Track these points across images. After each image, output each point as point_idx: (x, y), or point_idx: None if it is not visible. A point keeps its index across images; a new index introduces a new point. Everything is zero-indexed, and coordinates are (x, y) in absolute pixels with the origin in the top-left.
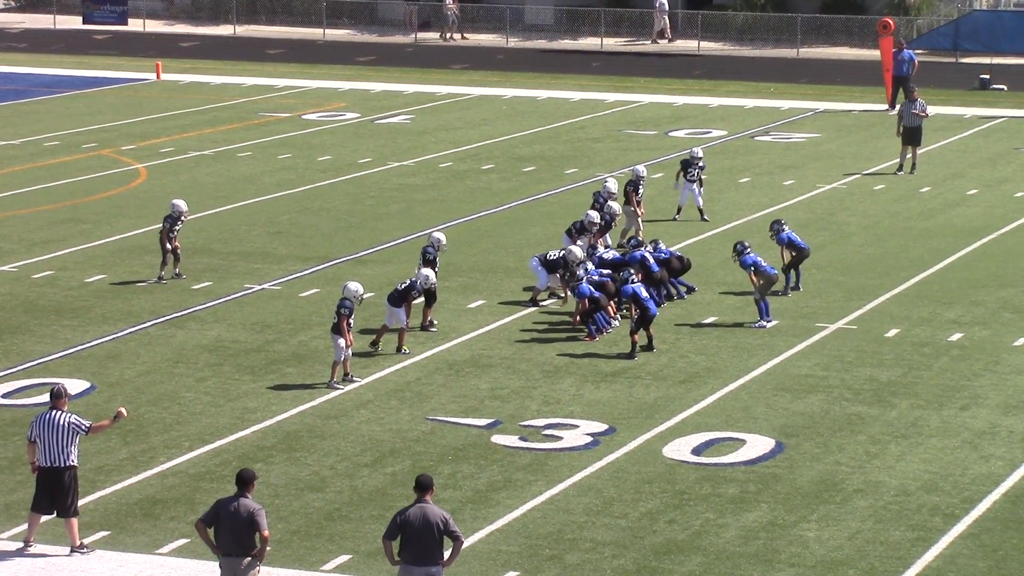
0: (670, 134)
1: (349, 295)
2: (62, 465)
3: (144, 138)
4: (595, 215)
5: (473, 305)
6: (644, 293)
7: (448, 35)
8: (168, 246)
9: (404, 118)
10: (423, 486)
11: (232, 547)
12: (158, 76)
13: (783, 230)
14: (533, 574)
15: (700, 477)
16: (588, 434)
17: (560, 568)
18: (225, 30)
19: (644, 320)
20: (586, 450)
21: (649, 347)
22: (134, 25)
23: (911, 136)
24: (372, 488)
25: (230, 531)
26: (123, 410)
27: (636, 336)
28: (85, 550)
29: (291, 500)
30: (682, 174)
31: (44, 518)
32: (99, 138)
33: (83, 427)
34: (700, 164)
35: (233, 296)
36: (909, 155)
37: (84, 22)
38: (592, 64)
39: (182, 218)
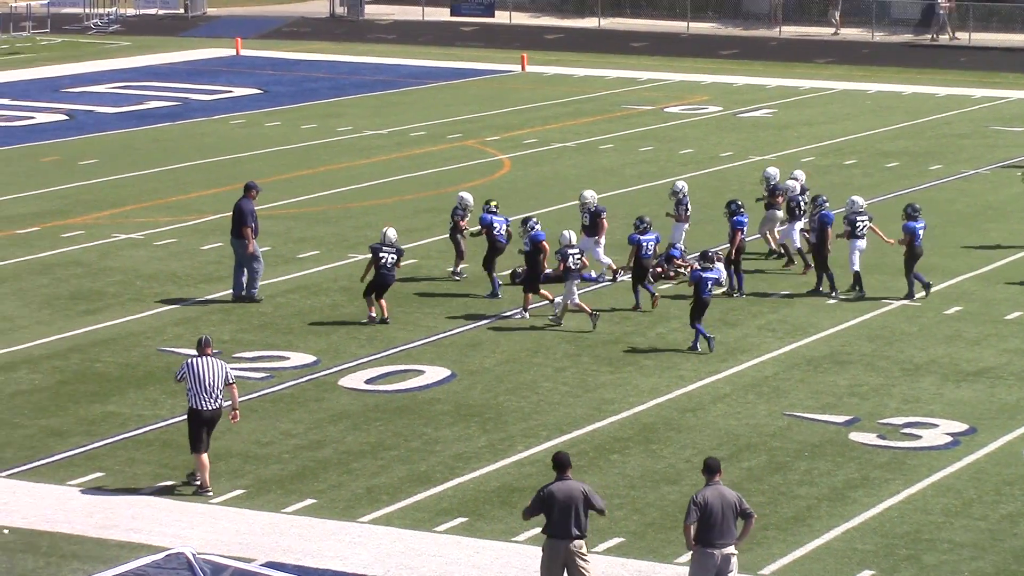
0: None
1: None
2: (220, 407)
3: (508, 129)
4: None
5: (832, 301)
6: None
7: (950, 35)
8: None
9: (766, 112)
10: (713, 468)
11: (567, 530)
12: (523, 68)
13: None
14: (889, 573)
15: None
16: (948, 434)
17: (917, 568)
18: (590, 23)
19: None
20: (946, 450)
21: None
22: (500, 17)
23: None
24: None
25: (566, 513)
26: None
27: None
28: (210, 491)
29: (647, 492)
30: None
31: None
32: (464, 128)
33: (230, 378)
34: None
35: (591, 289)
36: None
37: (452, 14)
38: (959, 59)
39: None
